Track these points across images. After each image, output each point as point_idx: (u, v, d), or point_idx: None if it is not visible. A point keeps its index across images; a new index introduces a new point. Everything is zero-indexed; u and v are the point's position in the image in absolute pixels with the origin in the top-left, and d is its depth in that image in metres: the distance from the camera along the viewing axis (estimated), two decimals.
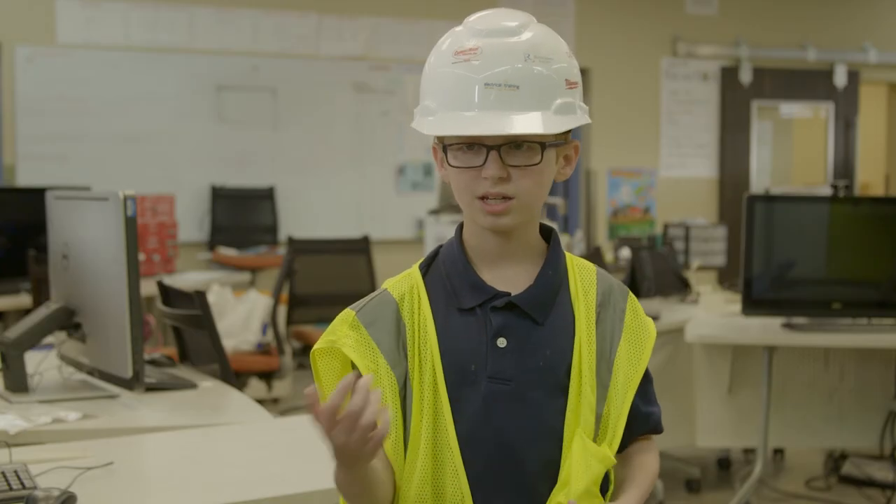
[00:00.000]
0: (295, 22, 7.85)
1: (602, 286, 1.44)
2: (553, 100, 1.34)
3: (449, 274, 1.41)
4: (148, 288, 4.13)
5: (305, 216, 7.86)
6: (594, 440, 1.37)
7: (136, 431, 2.28)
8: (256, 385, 5.21)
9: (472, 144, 1.34)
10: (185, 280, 5.45)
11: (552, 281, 1.40)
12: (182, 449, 2.16)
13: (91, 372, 2.56)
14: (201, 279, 5.68)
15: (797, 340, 3.89)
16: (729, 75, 9.05)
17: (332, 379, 1.40)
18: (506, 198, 1.34)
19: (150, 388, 2.54)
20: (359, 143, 8.04)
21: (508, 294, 1.38)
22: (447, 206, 6.11)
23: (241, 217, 7.69)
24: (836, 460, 4.59)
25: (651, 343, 1.44)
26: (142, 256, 5.29)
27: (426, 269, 1.44)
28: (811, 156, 9.64)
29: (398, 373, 1.37)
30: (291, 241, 5.77)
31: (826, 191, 6.81)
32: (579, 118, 1.37)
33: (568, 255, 1.45)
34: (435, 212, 6.36)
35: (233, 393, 2.68)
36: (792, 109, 9.58)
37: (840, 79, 9.26)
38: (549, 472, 1.35)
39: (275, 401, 5.75)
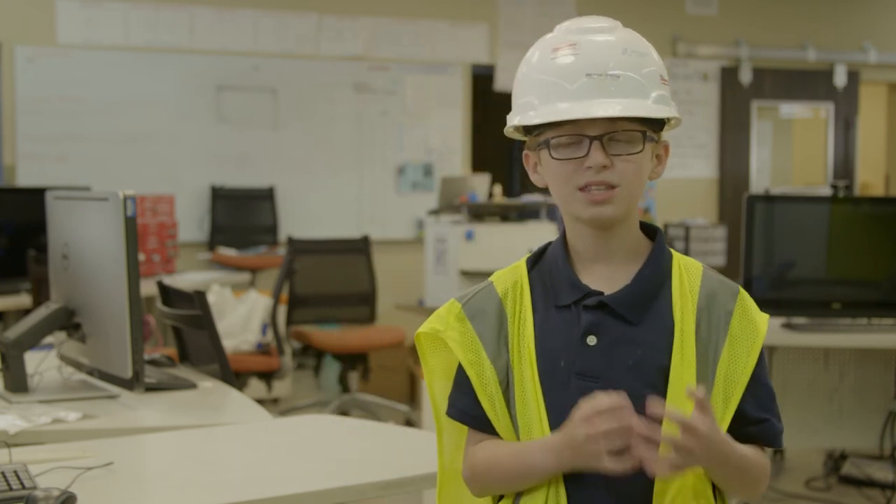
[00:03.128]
0: (295, 22, 7.85)
1: (706, 288, 1.42)
2: (651, 91, 1.38)
3: (550, 270, 1.45)
4: (148, 288, 4.13)
5: (305, 216, 7.85)
6: None
7: (136, 431, 2.28)
8: (256, 385, 5.21)
9: (575, 136, 1.36)
10: (185, 280, 5.45)
11: (650, 281, 1.41)
12: (182, 449, 2.16)
13: (91, 372, 2.56)
14: (201, 279, 5.68)
15: (797, 340, 3.89)
16: (729, 75, 9.04)
17: (439, 360, 1.48)
18: (610, 186, 1.37)
19: (150, 388, 2.54)
20: (359, 143, 8.04)
21: (601, 293, 1.40)
22: (447, 206, 6.11)
23: (241, 217, 7.69)
24: (836, 460, 4.58)
25: (759, 343, 1.41)
26: (142, 256, 5.29)
27: (533, 263, 1.48)
28: (811, 156, 9.63)
29: (499, 365, 1.41)
30: (291, 242, 5.77)
31: (826, 191, 6.80)
32: (674, 111, 1.41)
33: (675, 254, 1.46)
34: (435, 212, 6.36)
35: (233, 393, 2.67)
36: (792, 109, 9.57)
37: (840, 79, 9.25)
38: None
39: (275, 401, 5.75)
